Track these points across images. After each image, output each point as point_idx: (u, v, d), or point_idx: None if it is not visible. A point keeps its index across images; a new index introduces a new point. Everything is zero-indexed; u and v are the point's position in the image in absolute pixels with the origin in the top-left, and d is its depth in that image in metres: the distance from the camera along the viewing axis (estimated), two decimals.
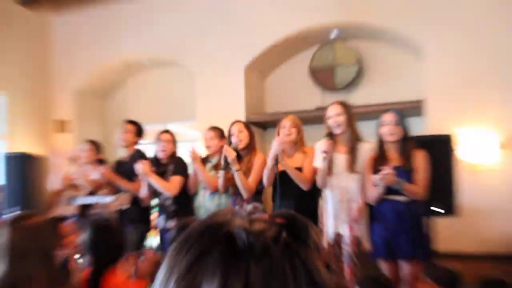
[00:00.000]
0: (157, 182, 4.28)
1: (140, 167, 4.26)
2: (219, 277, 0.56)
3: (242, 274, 0.56)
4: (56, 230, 2.81)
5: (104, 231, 2.51)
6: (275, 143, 3.76)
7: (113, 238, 2.51)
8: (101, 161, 4.92)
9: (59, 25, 6.72)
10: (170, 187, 4.30)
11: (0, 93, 6.05)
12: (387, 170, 3.34)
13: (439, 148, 3.78)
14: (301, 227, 0.63)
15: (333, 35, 5.59)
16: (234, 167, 3.92)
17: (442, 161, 3.74)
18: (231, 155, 3.90)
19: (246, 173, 4.06)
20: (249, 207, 4.03)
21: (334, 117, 3.74)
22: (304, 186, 3.82)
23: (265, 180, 3.92)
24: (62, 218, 3.01)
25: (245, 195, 4.01)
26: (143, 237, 4.60)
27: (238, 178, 3.95)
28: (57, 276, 2.01)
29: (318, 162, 3.75)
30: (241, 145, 4.08)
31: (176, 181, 4.33)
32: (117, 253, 2.50)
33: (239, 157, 4.00)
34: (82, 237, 2.52)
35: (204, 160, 4.40)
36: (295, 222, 0.63)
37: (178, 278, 0.58)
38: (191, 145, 4.32)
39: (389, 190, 3.45)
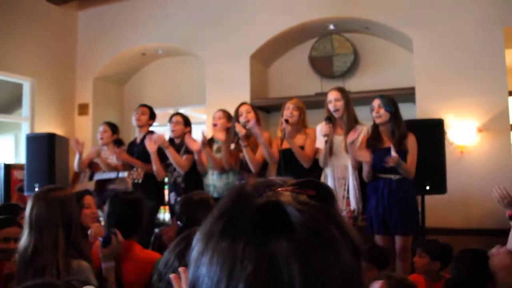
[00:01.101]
0: (173, 157, 4.17)
1: (155, 139, 4.14)
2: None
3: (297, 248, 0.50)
4: (79, 203, 2.74)
5: (125, 203, 2.39)
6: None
7: (133, 210, 2.40)
8: (117, 141, 4.81)
9: (82, 19, 6.64)
10: (183, 163, 4.19)
11: (26, 79, 5.96)
12: (393, 154, 3.26)
13: (431, 131, 3.69)
14: (329, 193, 0.59)
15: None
16: (243, 143, 3.82)
17: (433, 143, 3.66)
18: (241, 131, 3.80)
19: (254, 150, 3.99)
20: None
21: (334, 102, 3.70)
22: (305, 164, 3.78)
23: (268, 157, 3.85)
24: (85, 192, 2.89)
25: (253, 169, 3.94)
26: (155, 212, 4.53)
27: (246, 153, 3.86)
28: (79, 245, 1.98)
29: (320, 143, 3.70)
30: (249, 124, 3.97)
31: (187, 159, 4.22)
32: (136, 224, 2.39)
33: (247, 136, 3.91)
34: (105, 208, 2.41)
35: (211, 141, 4.31)
36: (323, 189, 0.59)
37: (252, 272, 0.50)
38: (201, 131, 4.17)
39: (383, 169, 3.37)
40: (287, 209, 0.53)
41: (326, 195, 0.58)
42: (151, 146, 4.16)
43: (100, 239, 2.15)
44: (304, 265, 0.50)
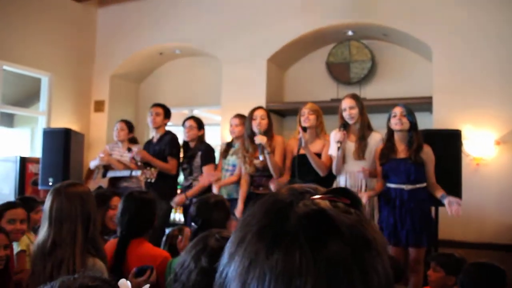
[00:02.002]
0: (157, 164, 4.31)
1: (139, 153, 4.36)
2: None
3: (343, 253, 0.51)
4: (106, 204, 2.76)
5: (139, 203, 2.40)
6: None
7: (147, 209, 2.41)
8: (132, 140, 4.84)
9: (101, 16, 6.69)
10: (170, 168, 4.36)
11: (45, 74, 6.03)
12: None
13: (448, 142, 3.65)
14: (359, 202, 0.59)
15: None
16: (267, 150, 3.81)
17: (450, 154, 3.62)
18: (263, 140, 3.80)
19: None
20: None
21: (348, 110, 3.66)
22: (321, 172, 3.73)
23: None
24: (113, 194, 2.92)
25: (275, 174, 3.92)
26: (168, 213, 4.54)
27: (270, 160, 3.85)
28: (96, 242, 2.00)
29: (332, 150, 3.67)
30: (262, 130, 3.96)
31: (207, 170, 4.27)
32: (148, 223, 2.40)
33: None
34: (119, 207, 2.43)
35: (228, 145, 4.32)
36: (354, 197, 0.59)
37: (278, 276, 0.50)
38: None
39: (395, 179, 3.34)
40: (333, 216, 0.53)
41: (356, 203, 0.59)
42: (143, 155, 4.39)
43: (135, 269, 2.16)
44: (361, 269, 0.51)
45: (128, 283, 1.07)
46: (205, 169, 4.26)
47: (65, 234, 1.91)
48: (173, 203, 4.34)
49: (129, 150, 4.56)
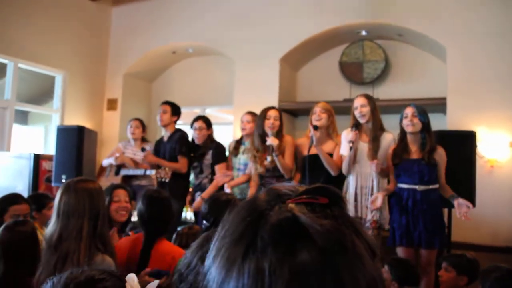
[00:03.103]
0: (167, 165, 4.34)
1: (146, 158, 4.40)
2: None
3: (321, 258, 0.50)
4: (109, 196, 2.80)
5: (157, 202, 2.43)
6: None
7: (165, 208, 2.44)
8: (144, 139, 4.89)
9: (116, 15, 6.75)
10: (180, 167, 4.37)
11: (59, 72, 6.10)
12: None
13: (462, 143, 3.62)
14: (339, 198, 0.58)
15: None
16: (276, 152, 3.82)
17: (464, 155, 3.59)
18: (275, 142, 3.81)
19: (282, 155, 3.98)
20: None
21: (360, 108, 3.64)
22: (333, 171, 3.73)
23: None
24: (117, 186, 2.96)
25: (286, 175, 3.92)
26: (180, 211, 4.57)
27: (279, 162, 3.86)
28: (105, 238, 2.02)
29: (344, 150, 3.66)
30: (274, 131, 3.98)
31: (220, 168, 4.28)
32: (166, 222, 2.43)
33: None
34: (137, 207, 2.46)
35: (238, 142, 4.32)
36: (333, 195, 0.57)
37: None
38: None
39: (408, 179, 3.33)
40: (305, 223, 0.52)
41: (336, 200, 0.57)
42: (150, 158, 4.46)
43: (153, 270, 2.19)
44: (335, 278, 0.48)
45: (135, 279, 1.07)
46: (218, 168, 4.27)
47: (71, 229, 1.94)
48: (192, 208, 4.36)
49: (143, 150, 4.59)
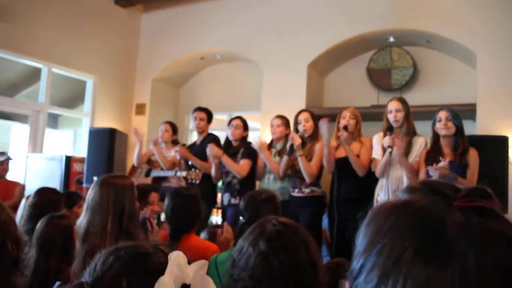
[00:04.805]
0: (229, 164, 4.28)
1: (212, 149, 4.26)
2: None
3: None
4: (145, 199, 2.88)
5: (186, 198, 2.50)
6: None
7: (193, 204, 2.51)
8: (175, 142, 4.98)
9: (145, 22, 6.91)
10: (240, 170, 4.28)
11: (90, 77, 6.27)
12: (442, 163, 3.22)
13: (494, 149, 3.61)
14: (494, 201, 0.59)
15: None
16: (299, 152, 3.87)
17: (496, 161, 3.57)
18: (297, 141, 3.85)
19: (308, 158, 4.01)
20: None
21: (394, 112, 3.68)
22: (360, 172, 3.78)
23: (325, 166, 3.88)
24: (152, 189, 3.04)
25: (307, 179, 3.95)
26: (208, 214, 4.63)
27: (302, 163, 3.89)
28: (132, 234, 2.04)
29: (376, 154, 3.69)
30: (307, 134, 4.03)
31: (245, 164, 4.30)
32: (194, 219, 2.49)
33: (302, 144, 3.96)
34: (165, 203, 2.53)
35: (269, 146, 4.39)
36: (492, 198, 0.58)
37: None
38: (258, 135, 4.29)
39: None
40: (490, 228, 0.53)
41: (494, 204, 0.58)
42: (217, 151, 4.28)
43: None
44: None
45: (182, 256, 0.98)
46: (242, 162, 4.30)
47: (96, 223, 1.99)
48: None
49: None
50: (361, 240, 0.59)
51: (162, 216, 3.45)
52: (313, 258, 1.36)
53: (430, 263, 0.51)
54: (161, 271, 0.84)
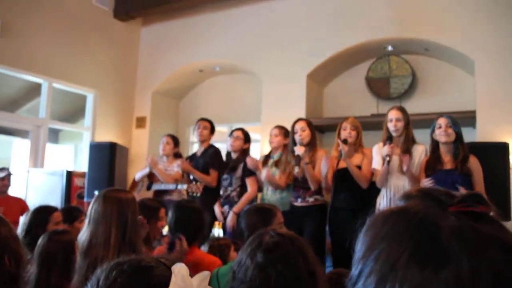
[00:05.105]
0: (199, 177, 4.44)
1: (181, 165, 4.47)
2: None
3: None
4: (156, 215, 2.87)
5: (188, 211, 2.51)
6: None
7: (196, 216, 2.51)
8: (177, 155, 4.99)
9: (144, 35, 6.96)
10: (210, 181, 4.46)
11: (90, 91, 6.30)
12: (427, 182, 3.28)
13: (494, 155, 3.61)
14: (489, 206, 0.60)
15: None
16: (304, 160, 3.87)
17: (497, 167, 3.57)
18: (301, 150, 3.86)
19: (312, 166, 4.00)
20: None
21: (394, 121, 3.68)
22: (362, 184, 3.75)
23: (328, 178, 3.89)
24: (161, 205, 3.04)
25: (313, 186, 3.94)
26: (210, 226, 4.62)
27: (308, 171, 3.89)
28: (135, 245, 2.05)
29: (376, 164, 3.69)
30: (303, 142, 4.03)
31: (251, 182, 4.33)
32: (198, 230, 2.49)
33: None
34: (169, 216, 2.53)
35: (267, 156, 4.38)
36: (486, 203, 0.59)
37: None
38: (257, 159, 4.34)
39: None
40: (482, 231, 0.54)
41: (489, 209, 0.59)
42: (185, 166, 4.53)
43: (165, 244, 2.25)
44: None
45: (184, 268, 0.99)
46: (249, 181, 4.33)
47: (100, 235, 2.00)
48: (220, 224, 4.44)
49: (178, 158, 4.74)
50: (359, 247, 0.60)
51: (165, 230, 3.44)
52: (311, 268, 1.37)
53: (425, 267, 0.52)
54: (164, 284, 0.85)
